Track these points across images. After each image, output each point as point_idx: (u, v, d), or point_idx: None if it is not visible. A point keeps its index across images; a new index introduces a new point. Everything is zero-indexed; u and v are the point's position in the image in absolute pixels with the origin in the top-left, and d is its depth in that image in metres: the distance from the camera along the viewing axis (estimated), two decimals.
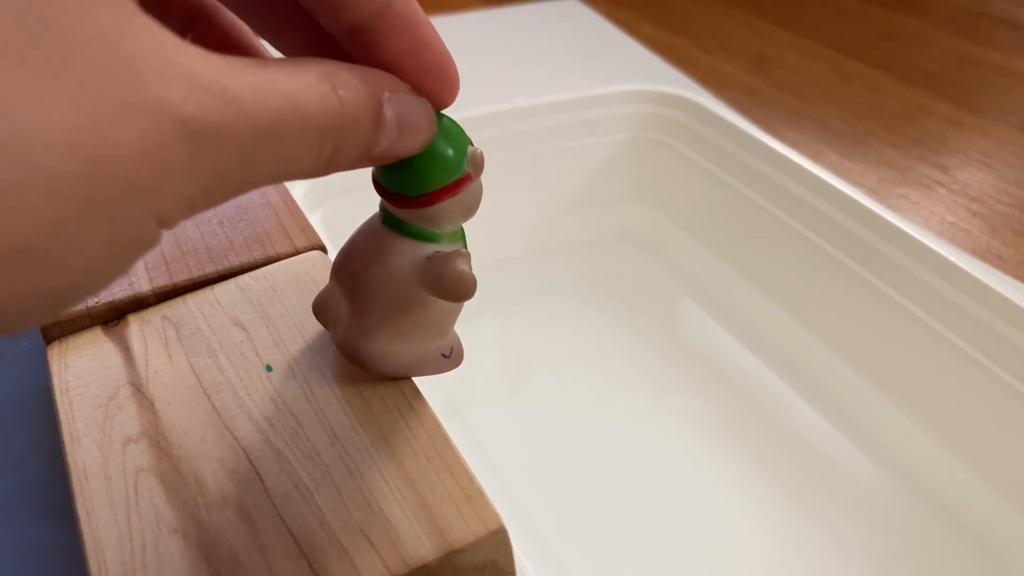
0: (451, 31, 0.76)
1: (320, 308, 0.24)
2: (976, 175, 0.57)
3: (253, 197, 0.31)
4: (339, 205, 0.41)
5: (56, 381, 0.24)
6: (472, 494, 0.20)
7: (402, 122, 0.16)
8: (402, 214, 0.20)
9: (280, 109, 0.13)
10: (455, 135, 0.19)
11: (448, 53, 0.18)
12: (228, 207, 0.30)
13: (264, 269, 0.28)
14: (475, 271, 0.21)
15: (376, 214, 0.21)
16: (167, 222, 0.12)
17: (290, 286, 0.27)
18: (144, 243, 0.12)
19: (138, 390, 0.23)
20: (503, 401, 0.40)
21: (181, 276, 0.27)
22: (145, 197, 0.12)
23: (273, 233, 0.29)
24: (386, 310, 0.21)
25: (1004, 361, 0.33)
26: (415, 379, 0.23)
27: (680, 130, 0.47)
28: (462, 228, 0.21)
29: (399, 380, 0.23)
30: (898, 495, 0.35)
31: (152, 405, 0.23)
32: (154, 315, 0.26)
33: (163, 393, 0.23)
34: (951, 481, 0.35)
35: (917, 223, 0.51)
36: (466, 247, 0.21)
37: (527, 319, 0.45)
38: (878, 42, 0.77)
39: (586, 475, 0.36)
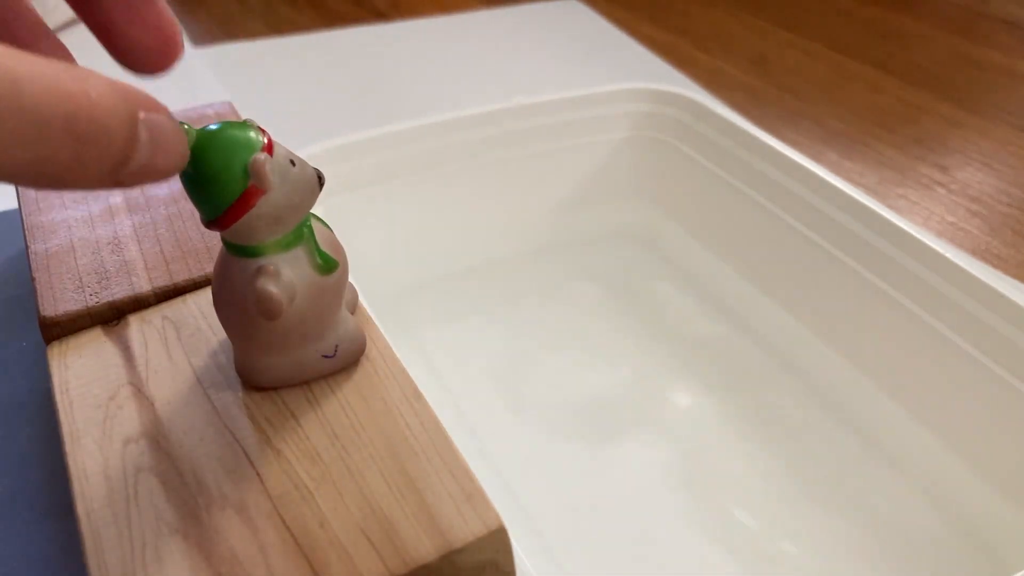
0: (451, 31, 0.76)
1: None
2: (975, 175, 0.57)
3: None
4: (339, 203, 0.41)
5: (56, 381, 0.24)
6: (472, 494, 0.20)
7: (156, 142, 0.16)
8: (222, 235, 0.20)
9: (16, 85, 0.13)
10: (222, 152, 0.18)
11: (169, 11, 0.17)
12: None
13: None
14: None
15: None
16: None
17: None
18: None
19: (138, 390, 0.23)
20: (503, 400, 0.40)
21: (181, 276, 0.27)
22: None
23: None
24: (238, 328, 0.21)
25: (1003, 360, 0.33)
26: (414, 378, 0.23)
27: (679, 128, 0.47)
28: (302, 227, 0.20)
29: (399, 379, 0.23)
30: (896, 493, 0.36)
31: (152, 405, 0.23)
32: (154, 315, 0.26)
33: (163, 393, 0.23)
34: (948, 477, 0.35)
35: (916, 223, 0.51)
36: (313, 242, 0.20)
37: (526, 317, 0.45)
38: (878, 42, 0.77)
39: (587, 474, 0.36)
